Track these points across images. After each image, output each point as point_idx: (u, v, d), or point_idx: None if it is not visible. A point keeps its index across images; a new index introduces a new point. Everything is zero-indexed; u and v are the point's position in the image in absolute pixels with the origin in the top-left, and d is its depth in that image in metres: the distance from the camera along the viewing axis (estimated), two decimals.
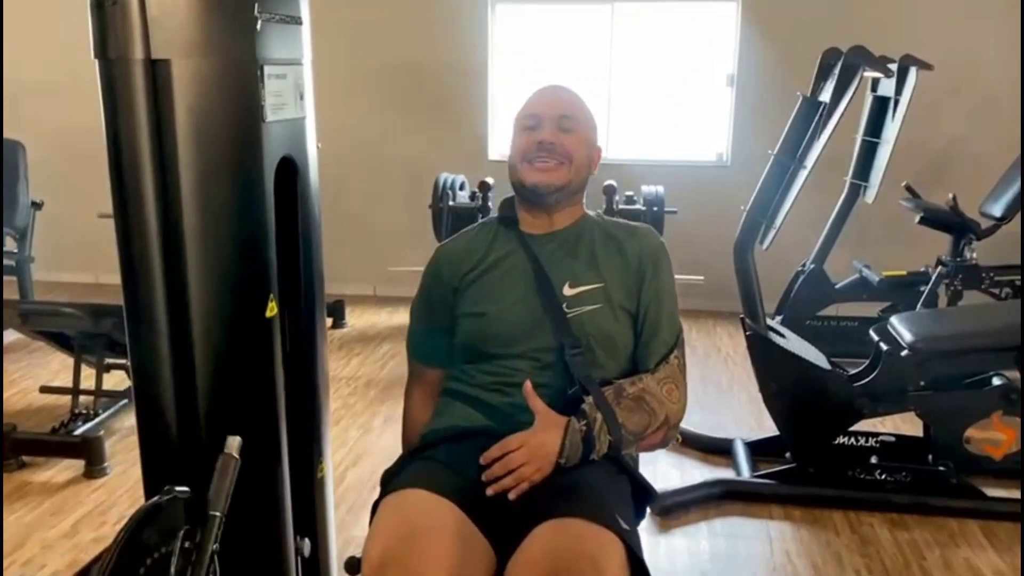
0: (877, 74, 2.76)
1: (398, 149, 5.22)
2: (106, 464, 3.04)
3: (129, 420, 3.48)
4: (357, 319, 5.02)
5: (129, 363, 1.33)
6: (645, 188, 4.33)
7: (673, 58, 5.05)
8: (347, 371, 4.16)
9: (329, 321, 4.78)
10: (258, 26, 1.29)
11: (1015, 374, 2.80)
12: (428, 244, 4.87)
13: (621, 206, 4.16)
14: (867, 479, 2.89)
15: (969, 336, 2.85)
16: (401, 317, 5.01)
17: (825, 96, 2.74)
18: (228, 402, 1.36)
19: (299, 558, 1.58)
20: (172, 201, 1.23)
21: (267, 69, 1.34)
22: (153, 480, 1.41)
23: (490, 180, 4.28)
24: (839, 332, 4.20)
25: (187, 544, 1.22)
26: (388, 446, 3.29)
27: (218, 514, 1.22)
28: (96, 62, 1.20)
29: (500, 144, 5.26)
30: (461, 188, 4.58)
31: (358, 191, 5.19)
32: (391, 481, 1.48)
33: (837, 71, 2.65)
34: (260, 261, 1.38)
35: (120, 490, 2.91)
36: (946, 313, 3.43)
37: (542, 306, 1.54)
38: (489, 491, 1.42)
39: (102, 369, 3.35)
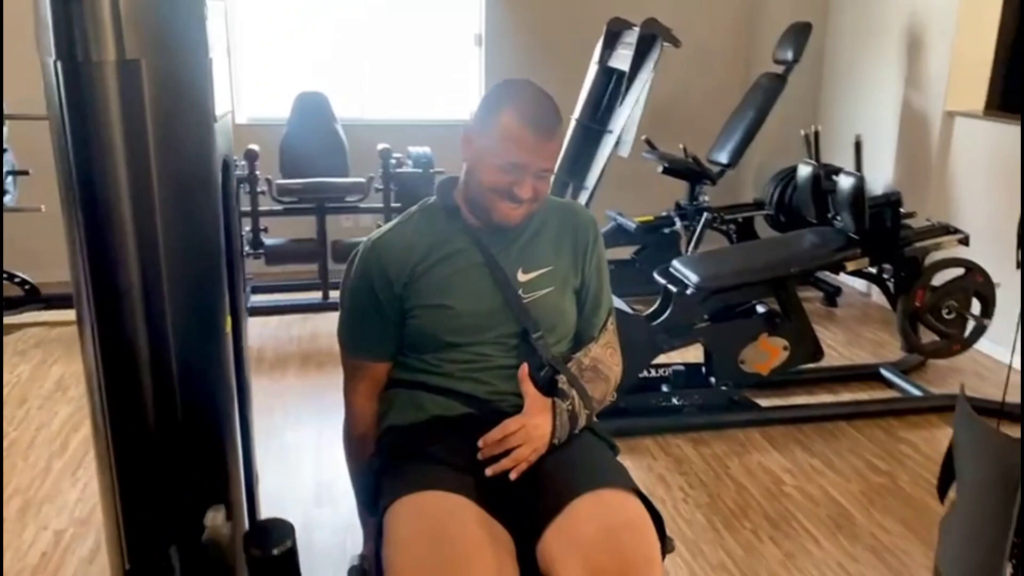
0: (669, 43, 3.04)
1: None
2: None
3: None
4: None
5: (103, 399, 1.16)
6: (412, 149, 4.36)
7: (423, 17, 5.06)
8: None
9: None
10: (207, 13, 1.16)
11: (772, 301, 3.31)
12: None
13: (395, 170, 4.17)
14: (667, 405, 3.27)
15: (739, 273, 3.30)
16: None
17: (616, 63, 2.97)
18: (202, 429, 1.25)
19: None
20: (147, 219, 1.08)
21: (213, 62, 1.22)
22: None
23: (255, 147, 4.05)
24: None
25: None
26: None
27: None
28: (51, 63, 1.01)
29: (247, 106, 4.96)
30: None
31: None
32: (391, 485, 1.46)
33: (630, 40, 2.88)
34: (219, 276, 1.27)
35: None
36: (717, 254, 3.89)
37: (501, 295, 1.57)
38: (488, 471, 1.46)
39: None
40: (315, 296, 4.42)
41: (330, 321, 4.50)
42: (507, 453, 1.47)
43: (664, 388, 3.35)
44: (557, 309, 1.62)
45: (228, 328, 1.32)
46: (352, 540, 2.27)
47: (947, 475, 1.83)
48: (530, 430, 1.48)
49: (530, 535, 1.39)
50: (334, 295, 4.45)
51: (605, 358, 1.65)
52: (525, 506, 1.44)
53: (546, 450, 1.50)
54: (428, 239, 1.60)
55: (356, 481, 1.70)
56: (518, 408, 1.52)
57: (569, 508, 1.38)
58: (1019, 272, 2.32)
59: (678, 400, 3.27)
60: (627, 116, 2.86)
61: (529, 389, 1.52)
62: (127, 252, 1.08)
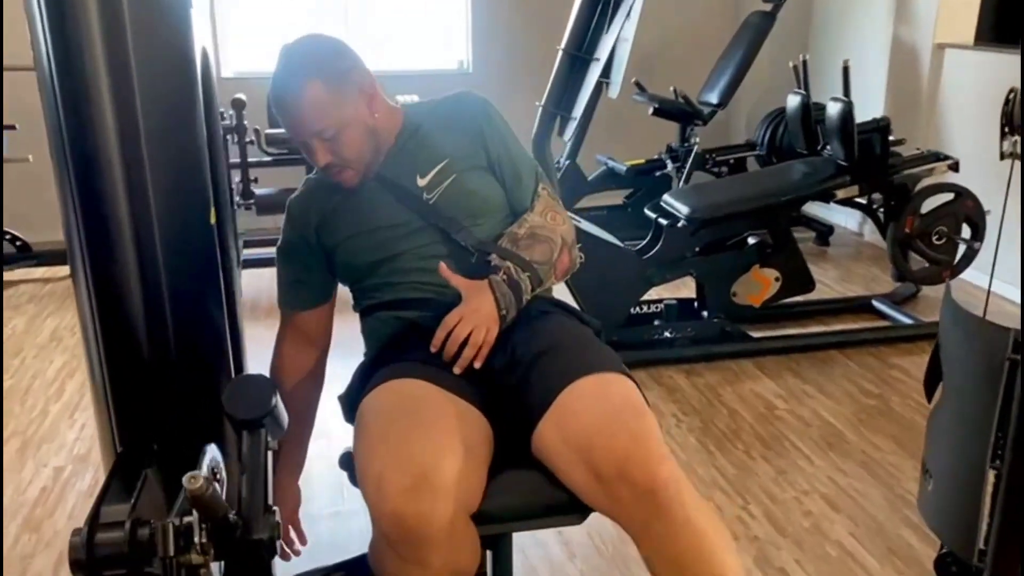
0: None
1: None
2: None
3: None
4: None
5: (93, 297, 1.16)
6: (401, 98, 4.33)
7: None
8: None
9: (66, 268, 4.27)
10: None
11: (764, 234, 3.31)
12: None
13: None
14: (659, 339, 3.28)
15: (730, 204, 3.30)
16: None
17: None
18: (192, 320, 1.26)
19: None
20: (128, 106, 1.08)
21: None
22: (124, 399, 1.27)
23: (242, 96, 4.03)
24: (593, 221, 4.58)
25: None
26: None
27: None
28: None
29: (233, 60, 4.93)
30: None
31: None
32: (364, 393, 1.49)
33: None
34: (200, 165, 1.27)
35: None
36: (708, 186, 3.89)
37: (407, 208, 1.58)
38: (456, 369, 1.46)
39: None
40: None
41: None
42: (463, 346, 1.46)
43: (656, 323, 3.37)
44: (469, 192, 1.60)
45: (213, 220, 1.32)
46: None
47: (934, 374, 1.84)
48: (470, 315, 1.46)
49: (523, 428, 1.40)
50: None
51: (543, 222, 1.62)
52: (513, 401, 1.45)
53: (501, 324, 1.49)
54: (327, 185, 1.63)
55: None
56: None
57: (559, 400, 1.37)
58: (1004, 201, 2.33)
59: (670, 333, 3.29)
60: (612, 43, 2.83)
61: (456, 280, 1.50)
62: (109, 144, 1.08)
